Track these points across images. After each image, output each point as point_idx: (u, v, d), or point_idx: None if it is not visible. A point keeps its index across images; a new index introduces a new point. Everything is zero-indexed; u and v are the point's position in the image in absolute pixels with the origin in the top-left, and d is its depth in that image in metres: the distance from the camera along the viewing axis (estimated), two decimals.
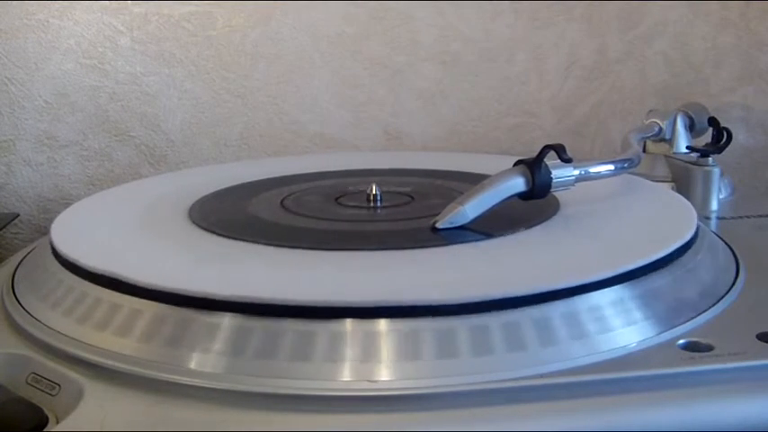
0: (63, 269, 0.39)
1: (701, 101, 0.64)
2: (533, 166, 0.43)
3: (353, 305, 0.32)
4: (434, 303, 0.32)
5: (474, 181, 0.44)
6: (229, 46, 0.70)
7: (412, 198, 0.50)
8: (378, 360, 0.31)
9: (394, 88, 0.73)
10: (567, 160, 0.44)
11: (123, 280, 0.35)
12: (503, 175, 0.43)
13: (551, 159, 0.43)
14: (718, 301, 0.37)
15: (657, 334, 0.34)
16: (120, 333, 0.33)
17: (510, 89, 0.75)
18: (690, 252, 0.40)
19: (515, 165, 0.44)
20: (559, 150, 0.43)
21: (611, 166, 0.47)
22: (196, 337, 0.32)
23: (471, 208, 0.42)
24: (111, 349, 0.33)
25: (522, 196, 0.43)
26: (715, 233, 0.48)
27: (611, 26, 0.74)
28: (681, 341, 0.33)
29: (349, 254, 0.39)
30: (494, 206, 0.43)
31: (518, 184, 0.43)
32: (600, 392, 0.30)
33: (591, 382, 0.30)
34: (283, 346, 0.31)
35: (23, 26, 0.67)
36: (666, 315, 0.35)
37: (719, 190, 0.56)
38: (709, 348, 0.33)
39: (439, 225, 0.42)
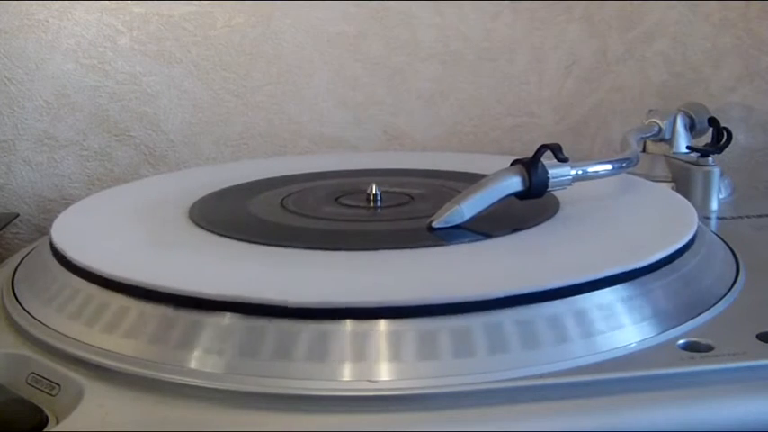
0: (63, 269, 0.39)
1: (701, 101, 0.64)
2: (530, 166, 0.43)
3: (353, 305, 0.32)
4: (434, 303, 0.32)
5: (474, 181, 0.44)
6: (229, 46, 0.70)
7: (411, 198, 0.50)
8: (378, 360, 0.31)
9: (394, 88, 0.73)
10: (563, 160, 0.44)
11: (123, 280, 0.35)
12: (499, 174, 0.43)
13: (548, 159, 0.43)
14: (719, 301, 0.37)
15: (657, 334, 0.34)
16: (119, 333, 0.33)
17: (510, 89, 0.75)
18: (690, 252, 0.40)
19: (512, 164, 0.44)
20: (556, 150, 0.43)
21: (609, 166, 0.47)
22: (196, 337, 0.32)
23: (468, 207, 0.42)
24: (111, 349, 0.33)
25: (518, 196, 0.43)
26: (715, 233, 0.48)
27: (611, 26, 0.74)
28: (681, 341, 0.33)
29: (349, 254, 0.39)
30: (490, 206, 0.43)
31: (515, 183, 0.43)
32: (600, 392, 0.30)
33: (591, 382, 0.30)
34: (283, 346, 0.31)
35: (23, 26, 0.67)
36: (666, 315, 0.35)
37: (719, 190, 0.56)
38: (709, 348, 0.33)
39: (435, 224, 0.42)
